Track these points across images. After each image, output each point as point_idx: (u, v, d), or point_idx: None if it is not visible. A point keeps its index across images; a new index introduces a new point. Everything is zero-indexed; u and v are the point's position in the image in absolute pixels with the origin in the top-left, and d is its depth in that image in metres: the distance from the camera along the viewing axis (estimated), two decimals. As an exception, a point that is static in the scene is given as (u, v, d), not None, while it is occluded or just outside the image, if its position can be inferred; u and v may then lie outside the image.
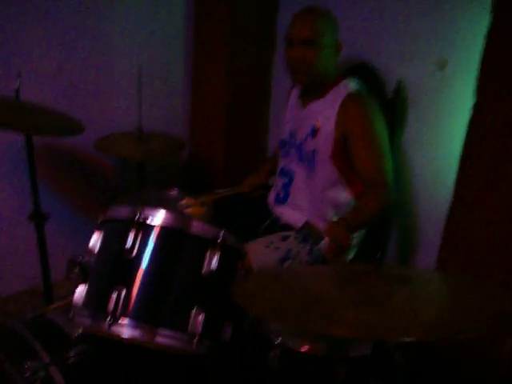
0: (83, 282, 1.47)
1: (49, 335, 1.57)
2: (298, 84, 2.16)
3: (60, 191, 2.53)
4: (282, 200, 2.22)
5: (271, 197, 2.31)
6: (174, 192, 2.39)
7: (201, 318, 1.36)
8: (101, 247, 1.45)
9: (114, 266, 1.39)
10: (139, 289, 1.35)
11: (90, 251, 1.48)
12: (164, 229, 1.38)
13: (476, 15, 1.92)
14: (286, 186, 2.20)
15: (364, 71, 2.28)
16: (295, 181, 2.17)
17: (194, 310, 1.36)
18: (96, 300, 1.38)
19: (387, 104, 2.19)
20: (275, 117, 2.90)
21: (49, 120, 1.97)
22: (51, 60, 2.35)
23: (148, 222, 1.38)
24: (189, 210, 2.29)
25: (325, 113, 2.04)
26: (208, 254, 1.40)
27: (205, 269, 1.39)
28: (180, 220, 1.39)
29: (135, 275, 1.36)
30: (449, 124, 2.09)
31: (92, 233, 2.20)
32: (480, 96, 1.78)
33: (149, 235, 1.38)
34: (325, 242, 1.96)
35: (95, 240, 1.48)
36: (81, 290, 1.45)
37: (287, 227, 2.14)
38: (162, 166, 2.75)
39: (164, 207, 1.41)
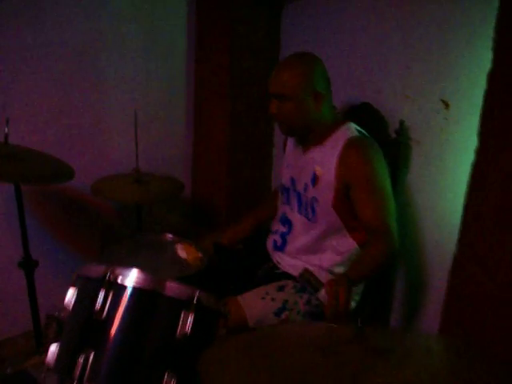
0: (57, 339, 1.40)
1: None
2: (286, 135, 2.09)
3: (54, 235, 2.51)
4: (279, 248, 2.16)
5: (269, 242, 2.25)
6: (170, 237, 2.34)
7: (173, 383, 1.27)
8: (74, 305, 1.39)
9: (84, 327, 1.33)
10: (109, 353, 1.28)
11: (65, 307, 1.42)
12: (136, 289, 1.32)
13: (479, 54, 1.83)
14: (285, 234, 2.15)
15: (366, 111, 2.22)
16: (294, 230, 2.11)
17: (166, 376, 1.29)
18: (64, 363, 1.31)
19: (390, 144, 2.13)
20: (279, 155, 2.84)
21: (38, 167, 1.94)
22: (47, 103, 2.35)
23: (119, 281, 1.31)
24: (184, 255, 2.23)
25: (324, 161, 1.96)
26: (182, 316, 1.33)
27: (179, 332, 1.32)
28: (153, 280, 1.33)
29: (105, 338, 1.29)
30: (453, 165, 2.00)
31: None
32: (482, 140, 1.68)
33: (120, 296, 1.32)
34: (323, 293, 1.89)
35: (70, 296, 1.42)
36: (53, 350, 1.38)
37: (285, 276, 2.07)
38: (160, 208, 2.69)
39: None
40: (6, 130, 1.87)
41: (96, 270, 1.36)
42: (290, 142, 2.23)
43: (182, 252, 2.24)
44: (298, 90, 1.90)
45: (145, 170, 2.40)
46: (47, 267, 2.17)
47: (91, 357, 1.27)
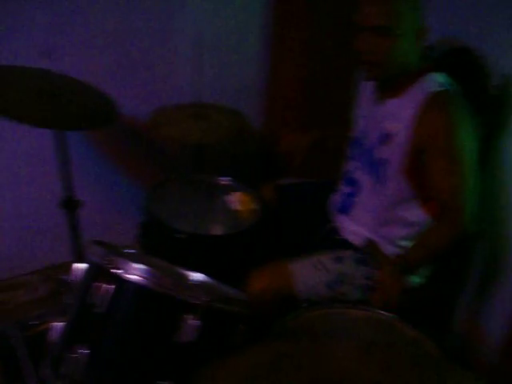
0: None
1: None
2: (369, 80, 1.77)
3: (100, 173, 2.37)
4: (344, 210, 1.92)
5: (333, 202, 2.01)
6: (227, 182, 2.15)
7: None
8: (77, 286, 1.26)
9: (79, 319, 1.20)
10: (102, 352, 1.15)
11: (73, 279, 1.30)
12: (137, 285, 1.16)
13: None
14: (350, 196, 1.90)
15: (464, 57, 1.85)
16: (360, 192, 1.85)
17: (158, 386, 1.14)
18: (56, 354, 1.20)
19: (488, 102, 1.80)
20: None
21: (80, 110, 1.76)
22: (101, 26, 2.13)
23: (119, 273, 1.15)
24: (237, 206, 2.05)
25: (400, 116, 1.66)
26: (186, 319, 1.14)
27: (181, 337, 1.15)
28: (157, 278, 1.15)
29: (100, 335, 1.16)
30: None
31: (132, 220, 2.11)
32: None
33: (118, 289, 1.16)
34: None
35: (75, 271, 1.29)
36: (56, 327, 1.28)
37: (345, 244, 1.85)
38: (224, 146, 2.47)
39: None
40: (47, 62, 1.70)
41: (97, 252, 1.20)
42: (365, 88, 1.90)
43: (234, 202, 2.06)
44: (406, 20, 1.58)
45: (208, 102, 2.19)
46: (91, 207, 2.07)
47: (84, 354, 1.14)
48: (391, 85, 1.71)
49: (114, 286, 1.16)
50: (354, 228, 1.87)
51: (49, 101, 1.70)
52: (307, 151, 2.04)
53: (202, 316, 1.15)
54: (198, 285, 1.30)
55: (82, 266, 1.26)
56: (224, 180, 2.15)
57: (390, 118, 1.70)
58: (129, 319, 1.17)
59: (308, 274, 1.75)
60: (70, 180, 1.89)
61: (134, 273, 1.15)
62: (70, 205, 1.92)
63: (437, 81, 1.64)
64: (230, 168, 2.23)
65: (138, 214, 1.96)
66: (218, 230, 2.00)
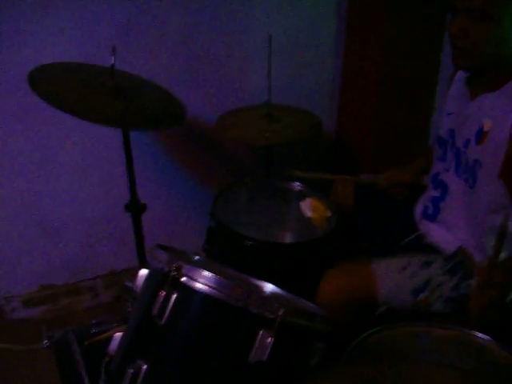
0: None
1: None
2: (459, 68, 1.63)
3: (165, 176, 2.29)
4: (430, 216, 1.77)
5: (419, 208, 1.87)
6: (297, 187, 2.03)
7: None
8: (139, 295, 1.15)
9: (139, 331, 1.09)
10: (163, 368, 1.03)
11: (135, 290, 1.20)
12: (204, 296, 1.04)
13: None
14: (437, 200, 1.74)
15: None
16: (449, 196, 1.70)
17: (229, 408, 1.01)
18: (114, 366, 1.10)
19: None
20: (442, 98, 2.32)
21: (147, 109, 1.68)
22: (171, 27, 2.06)
23: (185, 281, 1.03)
24: (310, 213, 1.93)
25: (498, 112, 1.50)
26: (260, 337, 1.02)
27: (252, 356, 1.02)
28: (227, 287, 1.03)
29: (160, 349, 1.04)
30: None
31: (198, 225, 2.01)
32: None
33: (184, 300, 1.05)
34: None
35: (141, 278, 1.19)
36: (117, 338, 1.18)
37: (433, 249, 1.71)
38: (294, 149, 2.35)
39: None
40: (113, 59, 1.62)
41: (161, 257, 1.09)
42: (458, 83, 1.74)
43: (307, 208, 1.94)
44: (503, 6, 1.42)
45: (278, 104, 2.08)
46: (156, 211, 2.00)
47: (142, 370, 1.03)
48: (486, 78, 1.55)
49: (179, 296, 1.04)
50: (443, 234, 1.72)
51: (115, 98, 1.63)
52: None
53: (277, 332, 1.01)
54: (272, 297, 1.16)
55: (147, 272, 1.16)
56: (296, 185, 2.03)
57: (485, 115, 1.54)
58: (194, 333, 1.06)
59: (392, 276, 1.62)
60: (135, 183, 1.81)
61: (203, 281, 1.03)
62: (136, 208, 1.85)
63: None
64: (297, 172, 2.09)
65: (206, 219, 1.86)
66: (289, 238, 1.91)
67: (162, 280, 1.05)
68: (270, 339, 1.01)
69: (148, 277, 1.15)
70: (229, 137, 2.12)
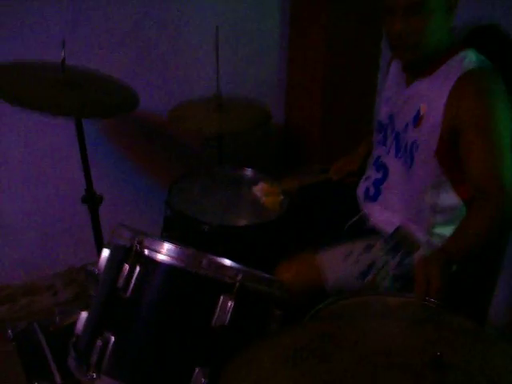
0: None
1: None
2: (403, 63, 1.73)
3: (121, 168, 2.33)
4: (372, 197, 1.86)
5: (361, 189, 1.95)
6: (250, 173, 2.09)
7: (204, 382, 1.06)
8: (102, 274, 1.20)
9: (105, 305, 1.15)
10: (130, 339, 1.09)
11: (99, 270, 1.24)
12: (167, 266, 1.10)
13: None
14: (379, 183, 1.84)
15: (493, 35, 1.81)
16: (390, 177, 1.79)
17: (196, 372, 1.08)
18: (83, 343, 1.15)
19: None
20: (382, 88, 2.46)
21: (100, 97, 1.73)
22: (117, 20, 2.11)
23: (147, 254, 1.09)
24: (263, 198, 1.99)
25: (432, 96, 1.61)
26: (221, 302, 1.09)
27: (215, 320, 1.09)
28: (188, 256, 1.10)
29: (127, 321, 1.10)
30: None
31: (154, 214, 2.06)
32: None
33: (148, 272, 1.11)
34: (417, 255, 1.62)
35: (104, 258, 1.23)
36: (83, 318, 1.22)
37: (375, 232, 1.79)
38: (244, 139, 2.42)
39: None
40: (63, 53, 1.65)
41: (124, 235, 1.15)
42: (394, 70, 1.84)
43: (260, 192, 2.00)
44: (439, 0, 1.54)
45: (227, 95, 2.14)
46: (112, 202, 2.03)
47: (111, 342, 1.08)
48: (420, 65, 1.65)
49: (142, 268, 1.10)
50: (383, 215, 1.81)
51: (67, 90, 1.68)
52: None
53: (237, 296, 1.08)
54: (231, 265, 1.23)
55: (109, 250, 1.21)
56: (247, 171, 2.09)
57: (421, 99, 1.65)
58: (158, 303, 1.11)
59: (338, 264, 1.69)
60: (90, 174, 1.85)
61: (165, 253, 1.10)
62: (93, 200, 1.88)
63: (470, 58, 1.58)
64: (251, 159, 2.17)
65: (161, 208, 1.91)
66: (244, 222, 1.94)
67: (126, 255, 1.11)
68: (230, 303, 1.08)
69: (111, 254, 1.20)
70: (181, 128, 2.18)
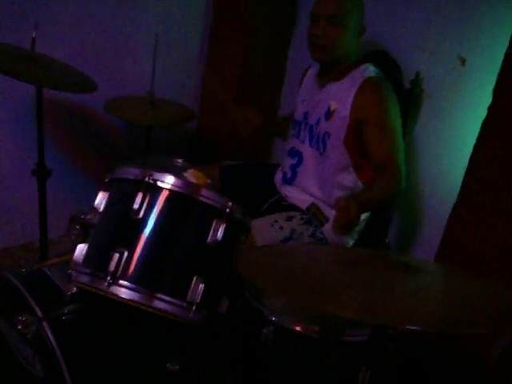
0: (84, 240, 1.45)
1: (43, 291, 1.52)
2: (318, 61, 2.10)
3: (65, 148, 2.51)
4: (288, 180, 2.19)
5: (278, 176, 2.29)
6: (179, 162, 2.36)
7: (200, 287, 1.34)
8: (106, 206, 1.43)
9: (119, 226, 1.38)
10: (141, 252, 1.34)
11: (95, 210, 1.46)
12: (173, 192, 1.37)
13: (502, 14, 1.89)
14: (294, 167, 2.17)
15: (382, 59, 2.23)
16: (304, 163, 2.14)
17: (194, 279, 1.35)
18: (97, 259, 1.36)
19: (403, 94, 2.16)
20: (287, 94, 2.87)
21: (62, 75, 1.93)
22: (70, 14, 2.32)
23: (158, 183, 1.36)
24: (194, 181, 2.26)
25: (341, 95, 2.01)
26: (214, 224, 1.38)
27: (210, 238, 1.37)
28: (189, 186, 1.39)
29: (139, 237, 1.34)
30: (462, 121, 2.05)
31: (93, 193, 2.23)
32: (497, 97, 1.75)
33: (157, 198, 1.36)
34: (327, 227, 1.99)
35: (100, 199, 1.46)
36: (81, 248, 1.43)
37: (293, 208, 2.13)
38: (169, 134, 2.70)
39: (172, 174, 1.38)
40: (34, 33, 1.84)
41: (133, 172, 1.39)
42: (309, 77, 2.25)
43: (191, 177, 2.27)
44: (353, 17, 1.95)
45: (159, 94, 2.39)
46: (59, 178, 2.18)
47: (125, 254, 1.32)
48: (332, 71, 2.04)
49: (152, 195, 1.36)
50: (299, 195, 2.14)
51: (32, 63, 1.86)
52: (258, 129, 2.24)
53: (227, 220, 1.38)
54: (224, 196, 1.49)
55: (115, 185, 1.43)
56: (178, 161, 2.36)
57: (332, 98, 2.03)
58: (165, 223, 1.36)
59: (266, 231, 1.98)
60: (43, 146, 1.99)
61: (171, 183, 1.37)
62: (42, 172, 2.02)
63: (371, 70, 2.01)
64: (172, 150, 2.42)
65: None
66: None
67: (137, 185, 1.36)
68: (222, 225, 1.38)
69: (117, 188, 1.43)
70: (116, 116, 2.40)
